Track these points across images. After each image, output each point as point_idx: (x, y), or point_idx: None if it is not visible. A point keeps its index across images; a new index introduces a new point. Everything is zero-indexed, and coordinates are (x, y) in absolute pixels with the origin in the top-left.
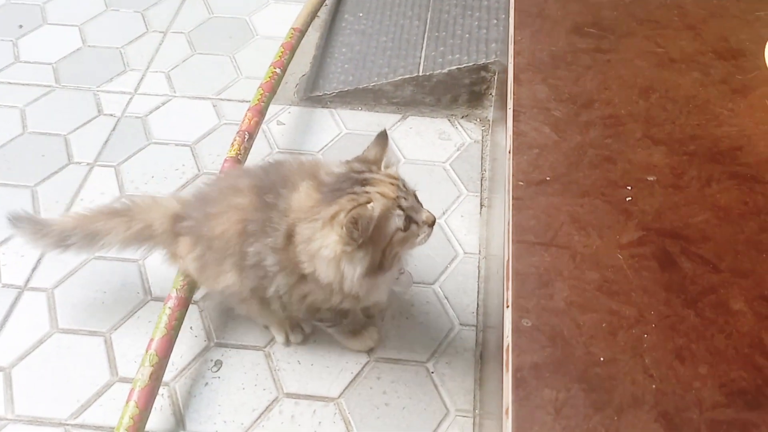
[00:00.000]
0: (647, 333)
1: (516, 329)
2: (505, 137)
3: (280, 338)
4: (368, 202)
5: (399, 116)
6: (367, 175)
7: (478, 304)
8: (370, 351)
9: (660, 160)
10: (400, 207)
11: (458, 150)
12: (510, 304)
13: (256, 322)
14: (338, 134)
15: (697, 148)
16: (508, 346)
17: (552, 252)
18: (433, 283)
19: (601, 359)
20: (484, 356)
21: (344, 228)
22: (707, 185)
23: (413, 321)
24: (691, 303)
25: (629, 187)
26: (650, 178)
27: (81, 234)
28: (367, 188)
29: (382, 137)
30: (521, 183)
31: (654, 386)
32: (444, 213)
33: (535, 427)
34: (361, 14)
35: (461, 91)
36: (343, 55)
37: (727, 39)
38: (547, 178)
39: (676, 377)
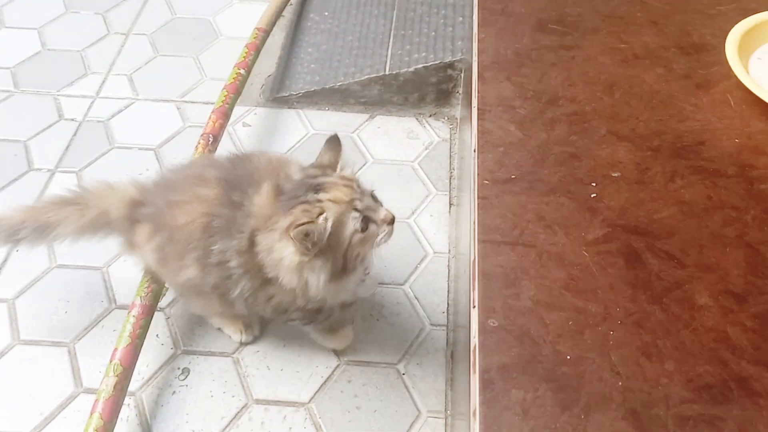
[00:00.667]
0: (613, 330)
1: (483, 330)
2: (471, 136)
3: (235, 336)
4: (321, 213)
5: (367, 116)
6: (321, 180)
7: (448, 303)
8: (344, 350)
9: (624, 156)
10: (355, 209)
11: (427, 149)
12: (476, 304)
13: (209, 322)
14: (305, 135)
15: (662, 143)
16: (475, 347)
17: (518, 251)
18: (403, 284)
19: (568, 358)
20: (455, 356)
21: (296, 241)
22: (671, 180)
23: (384, 322)
24: (656, 299)
25: (594, 184)
26: (615, 175)
27: (31, 227)
28: (320, 195)
29: (334, 141)
30: (487, 182)
31: (621, 383)
32: (413, 213)
33: (503, 428)
34: (326, 13)
35: (428, 90)
36: (309, 55)
37: (689, 34)
38: (513, 177)
39: (643, 374)
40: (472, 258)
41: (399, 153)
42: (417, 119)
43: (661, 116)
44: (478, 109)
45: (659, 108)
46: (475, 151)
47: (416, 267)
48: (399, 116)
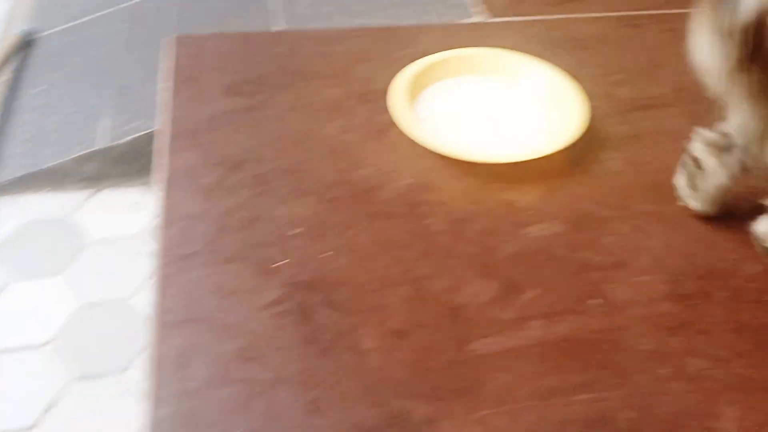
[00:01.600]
0: (282, 392)
1: (152, 422)
2: (156, 211)
3: None
4: None
5: (90, 191)
6: None
7: None
8: None
9: (305, 211)
10: None
11: (154, 219)
12: (147, 394)
13: None
14: (20, 224)
15: (341, 193)
16: None
17: (192, 328)
18: (125, 370)
19: None
20: None
21: None
22: (347, 229)
23: (102, 419)
24: (325, 352)
25: (274, 246)
26: (295, 232)
27: None
28: None
29: None
30: (168, 259)
31: None
32: (136, 291)
33: None
34: (42, 87)
35: (148, 159)
36: (21, 135)
37: (369, 82)
38: (195, 250)
39: None
40: (148, 344)
41: (121, 229)
42: (143, 189)
43: (341, 166)
44: (163, 182)
45: (340, 158)
46: (159, 227)
47: (143, 350)
48: (124, 188)
